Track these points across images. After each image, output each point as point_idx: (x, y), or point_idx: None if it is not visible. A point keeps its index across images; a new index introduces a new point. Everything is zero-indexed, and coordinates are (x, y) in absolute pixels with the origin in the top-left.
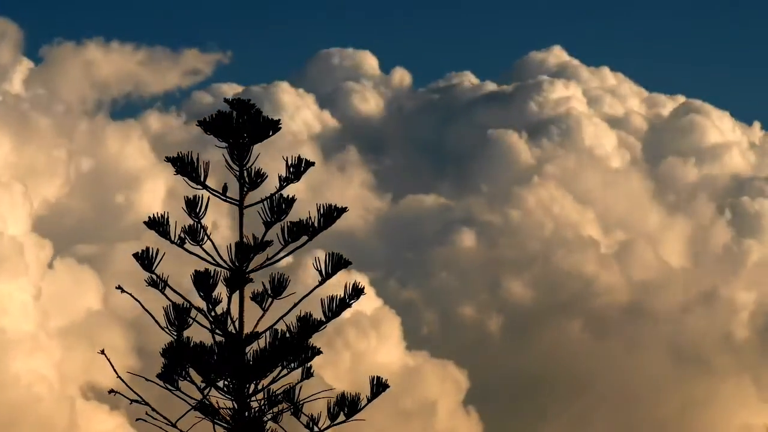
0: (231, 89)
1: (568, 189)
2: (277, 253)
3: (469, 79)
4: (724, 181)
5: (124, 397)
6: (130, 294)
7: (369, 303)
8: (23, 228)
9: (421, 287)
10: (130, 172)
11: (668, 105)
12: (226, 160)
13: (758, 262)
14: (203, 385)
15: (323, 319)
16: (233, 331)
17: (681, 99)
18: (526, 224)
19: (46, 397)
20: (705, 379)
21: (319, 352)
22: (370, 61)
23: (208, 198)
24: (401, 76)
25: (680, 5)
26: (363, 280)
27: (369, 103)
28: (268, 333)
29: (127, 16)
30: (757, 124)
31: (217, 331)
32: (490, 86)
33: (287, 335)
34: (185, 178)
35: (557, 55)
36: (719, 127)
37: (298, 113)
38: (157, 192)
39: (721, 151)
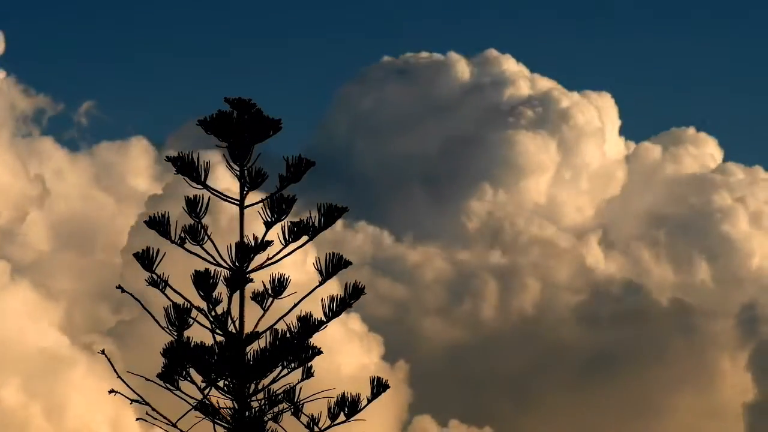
0: None
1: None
2: (278, 252)
3: None
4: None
5: (125, 397)
6: (131, 294)
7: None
8: None
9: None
10: None
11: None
12: (226, 160)
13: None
14: (203, 385)
15: (323, 318)
16: (233, 331)
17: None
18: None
19: None
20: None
21: (319, 352)
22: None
23: (209, 198)
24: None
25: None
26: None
27: None
28: (268, 333)
29: None
30: None
31: (217, 331)
32: None
33: (287, 335)
34: (186, 178)
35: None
36: None
37: None
38: None
39: None
